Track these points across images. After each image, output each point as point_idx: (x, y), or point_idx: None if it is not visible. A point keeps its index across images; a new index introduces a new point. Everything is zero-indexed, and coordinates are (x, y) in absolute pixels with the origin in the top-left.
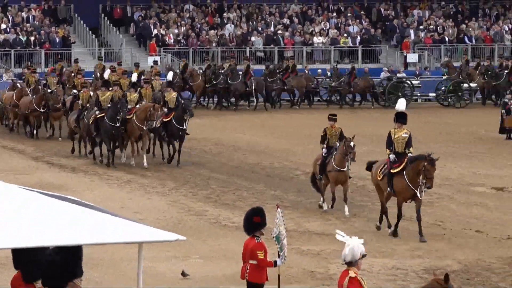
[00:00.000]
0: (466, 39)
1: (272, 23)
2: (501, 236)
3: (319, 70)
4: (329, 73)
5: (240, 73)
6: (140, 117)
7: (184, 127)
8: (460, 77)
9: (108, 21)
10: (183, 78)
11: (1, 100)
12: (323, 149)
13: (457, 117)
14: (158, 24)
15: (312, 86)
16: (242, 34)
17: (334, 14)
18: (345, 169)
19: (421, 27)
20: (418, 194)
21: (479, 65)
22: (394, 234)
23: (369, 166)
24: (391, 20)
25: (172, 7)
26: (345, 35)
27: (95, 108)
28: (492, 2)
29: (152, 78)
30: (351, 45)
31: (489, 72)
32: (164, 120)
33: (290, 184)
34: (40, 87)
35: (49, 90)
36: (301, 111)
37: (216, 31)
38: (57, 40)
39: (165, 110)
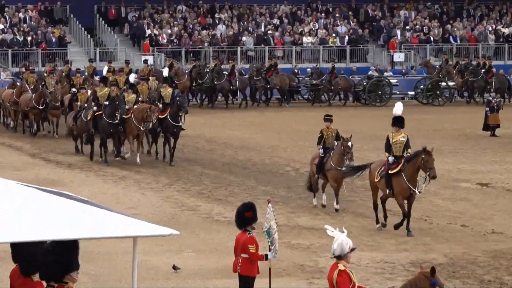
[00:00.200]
0: (451, 39)
1: (263, 23)
2: (486, 230)
3: (308, 69)
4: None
5: (225, 72)
6: (137, 117)
7: (179, 124)
8: (440, 76)
9: (103, 22)
10: (169, 77)
11: (1, 98)
12: (320, 150)
13: (437, 115)
14: (152, 24)
15: (295, 84)
16: (234, 34)
17: (323, 14)
18: (342, 168)
19: (407, 27)
20: (417, 191)
21: (457, 64)
22: (396, 227)
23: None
24: (378, 21)
25: (165, 7)
26: (334, 35)
27: (93, 104)
28: (476, 3)
29: (147, 76)
30: (339, 44)
31: (467, 71)
32: (160, 116)
33: (281, 180)
34: (40, 86)
35: (48, 91)
36: (290, 109)
37: (208, 31)
38: (53, 40)
39: (160, 106)
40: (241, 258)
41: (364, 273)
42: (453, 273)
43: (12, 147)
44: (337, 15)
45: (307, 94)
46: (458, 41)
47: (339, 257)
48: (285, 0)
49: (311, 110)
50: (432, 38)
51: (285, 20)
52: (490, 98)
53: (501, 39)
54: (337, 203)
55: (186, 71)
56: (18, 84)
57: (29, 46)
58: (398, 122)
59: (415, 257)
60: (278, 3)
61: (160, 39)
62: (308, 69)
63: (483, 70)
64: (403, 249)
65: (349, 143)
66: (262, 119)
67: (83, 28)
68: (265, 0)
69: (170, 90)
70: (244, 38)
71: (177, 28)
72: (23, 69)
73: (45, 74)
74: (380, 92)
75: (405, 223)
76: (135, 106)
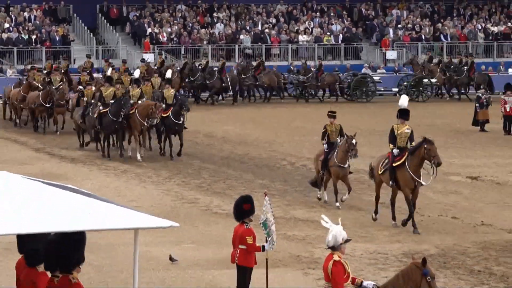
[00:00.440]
0: (442, 37)
1: (260, 22)
2: (476, 222)
3: (292, 67)
4: (295, 69)
5: (215, 69)
6: (142, 114)
7: (181, 122)
8: (424, 73)
9: (105, 21)
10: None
11: (8, 96)
12: (324, 145)
13: (424, 111)
14: (152, 23)
15: (283, 81)
16: (232, 33)
17: (318, 13)
18: (346, 165)
19: (399, 26)
20: (422, 182)
21: (440, 61)
22: (403, 224)
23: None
24: (371, 20)
25: (165, 7)
26: (328, 33)
27: (99, 104)
28: (466, 2)
29: (148, 76)
30: (333, 42)
31: (450, 68)
32: (163, 115)
33: (277, 173)
34: (47, 85)
35: (54, 87)
36: (286, 105)
37: (206, 29)
38: (57, 38)
39: (163, 106)
40: (239, 249)
41: (358, 263)
42: (444, 264)
43: (18, 142)
44: (332, 14)
45: (293, 90)
46: (449, 39)
47: (333, 248)
48: (281, 0)
49: (306, 106)
50: (423, 36)
51: (281, 19)
52: (480, 95)
53: (490, 37)
54: (336, 200)
55: (178, 68)
56: (24, 82)
57: (34, 44)
58: (404, 114)
59: (407, 248)
60: (275, 2)
61: (160, 37)
62: (291, 67)
63: (465, 67)
64: (396, 240)
65: (354, 140)
66: (259, 115)
67: (86, 27)
68: None
69: (172, 91)
70: (241, 37)
71: (176, 27)
72: (28, 67)
73: (44, 71)
74: (364, 89)
75: (406, 218)
76: (139, 102)
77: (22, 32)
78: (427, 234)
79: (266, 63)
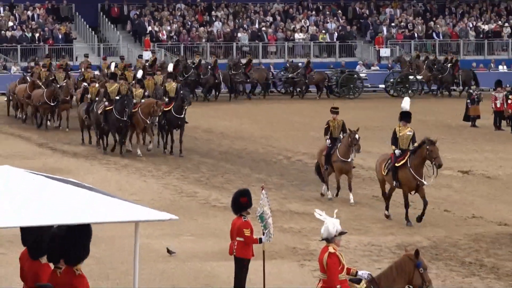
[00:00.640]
0: (434, 35)
1: (257, 20)
2: (467, 215)
3: (300, 63)
4: (283, 67)
5: (209, 67)
6: (144, 111)
7: (183, 116)
8: (410, 70)
9: (106, 19)
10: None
11: (14, 92)
12: (327, 141)
13: (416, 107)
14: (152, 21)
15: (272, 78)
16: (230, 31)
17: (313, 12)
18: (349, 159)
19: (393, 24)
20: (425, 182)
21: (427, 59)
22: (407, 220)
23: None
24: (365, 18)
25: (165, 5)
26: (324, 31)
27: (104, 100)
28: (458, 1)
29: (152, 71)
30: (329, 40)
31: (435, 66)
32: (165, 109)
33: (274, 168)
34: (52, 83)
35: (58, 85)
36: (282, 101)
37: (205, 28)
38: (60, 36)
39: (166, 99)
40: (237, 241)
41: (353, 255)
42: (436, 256)
43: (21, 137)
44: (327, 12)
45: (282, 87)
46: (441, 37)
47: (327, 240)
48: None
49: (302, 102)
50: (416, 34)
51: (278, 18)
52: (471, 91)
53: (481, 35)
54: (337, 195)
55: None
56: (28, 79)
57: (37, 42)
58: (406, 117)
59: (400, 240)
60: (272, 1)
61: (160, 35)
62: (288, 64)
63: (449, 65)
64: (389, 233)
65: (357, 135)
66: (256, 111)
67: (87, 25)
68: None
69: (174, 84)
70: (239, 35)
71: (176, 25)
72: (32, 64)
73: (42, 69)
74: (352, 86)
75: (410, 212)
76: (142, 101)
77: (25, 30)
78: (420, 227)
79: (263, 61)
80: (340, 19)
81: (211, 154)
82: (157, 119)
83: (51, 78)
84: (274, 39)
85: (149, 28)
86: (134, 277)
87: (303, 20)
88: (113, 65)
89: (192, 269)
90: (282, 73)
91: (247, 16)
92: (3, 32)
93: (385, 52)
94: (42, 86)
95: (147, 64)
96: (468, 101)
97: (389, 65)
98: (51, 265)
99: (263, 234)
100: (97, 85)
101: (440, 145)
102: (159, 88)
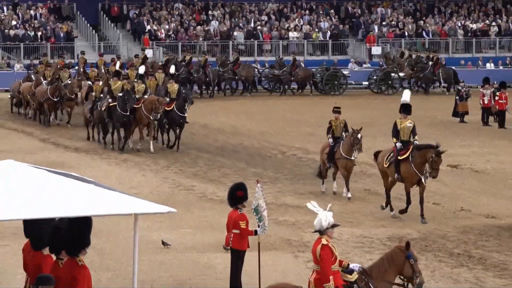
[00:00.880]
0: (424, 33)
1: (252, 19)
2: (455, 208)
3: (296, 61)
4: (267, 64)
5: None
6: (147, 108)
7: (185, 115)
8: (394, 68)
9: (107, 18)
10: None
11: (18, 90)
12: (330, 139)
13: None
14: (151, 20)
15: (259, 75)
16: (226, 30)
17: (307, 11)
18: (352, 157)
19: (384, 23)
20: (423, 180)
21: (410, 56)
22: (402, 213)
23: (376, 154)
24: (357, 17)
25: (163, 5)
26: (317, 30)
27: (108, 97)
28: (447, 1)
29: (153, 71)
30: (322, 39)
31: (417, 64)
32: (167, 109)
33: (269, 162)
34: (56, 80)
35: (63, 83)
36: (277, 98)
37: (202, 26)
38: (61, 35)
39: (167, 100)
40: (233, 233)
41: (345, 247)
42: (426, 247)
43: (24, 133)
44: (320, 12)
45: (268, 84)
46: (430, 35)
47: (320, 232)
48: None
49: (296, 99)
50: (406, 33)
51: (273, 17)
52: (460, 88)
53: (469, 34)
54: (348, 190)
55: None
56: (33, 77)
57: (39, 41)
58: (406, 109)
59: (391, 232)
60: (267, 1)
61: (159, 34)
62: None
63: (430, 63)
64: (381, 225)
65: (359, 135)
66: (251, 108)
67: (88, 24)
68: None
69: (176, 86)
70: (235, 33)
71: (174, 24)
72: (34, 61)
73: (39, 66)
74: (336, 82)
75: (408, 209)
76: (145, 97)
77: (28, 29)
78: (410, 219)
79: (258, 58)
80: (333, 18)
81: (208, 149)
82: (158, 116)
83: (56, 77)
84: (269, 37)
85: (148, 27)
86: (133, 268)
87: (297, 19)
88: (118, 64)
89: (190, 260)
90: (267, 70)
91: (242, 15)
92: (6, 30)
93: (376, 50)
94: (45, 84)
95: (137, 58)
96: (457, 97)
97: (380, 63)
98: (53, 256)
99: (258, 227)
100: (101, 83)
101: (430, 140)
102: (161, 88)
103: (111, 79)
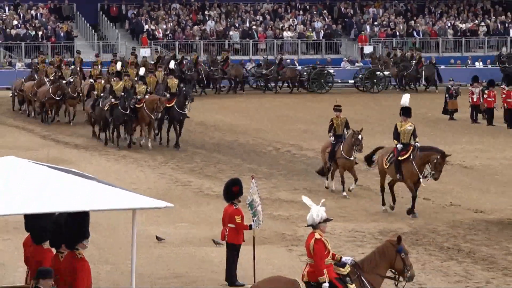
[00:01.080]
0: (414, 33)
1: (248, 19)
2: (445, 203)
3: (288, 60)
4: (253, 64)
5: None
6: (149, 107)
7: (185, 112)
8: (380, 67)
9: (106, 18)
10: (174, 69)
11: (19, 90)
12: (331, 137)
13: (392, 101)
14: (149, 20)
15: (246, 74)
16: (222, 29)
17: (301, 12)
18: (352, 157)
19: (375, 23)
20: (421, 180)
21: (395, 55)
22: (409, 213)
23: (369, 157)
24: (350, 17)
25: (161, 5)
26: (310, 30)
27: (110, 97)
28: (437, 1)
29: (154, 68)
30: (315, 38)
31: (401, 62)
32: (167, 105)
33: (263, 158)
34: (58, 78)
35: (64, 81)
36: (273, 96)
37: (199, 26)
38: (62, 34)
39: (168, 95)
40: (228, 227)
41: (338, 241)
42: (416, 241)
43: (25, 130)
44: (314, 12)
45: (255, 83)
46: (421, 35)
47: (313, 226)
48: None
49: (291, 97)
50: (397, 33)
51: (268, 17)
52: (449, 86)
53: (459, 34)
54: (343, 190)
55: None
56: (36, 76)
57: (40, 40)
58: (406, 112)
59: (382, 227)
60: (261, 1)
61: (157, 33)
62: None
63: (414, 61)
64: (372, 220)
65: (360, 136)
66: (246, 105)
67: (88, 24)
68: None
69: (176, 81)
70: (231, 33)
71: (171, 24)
72: (35, 60)
73: (37, 65)
74: (322, 81)
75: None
76: (146, 96)
77: (29, 28)
78: (401, 214)
79: (253, 57)
80: (326, 18)
81: (204, 145)
82: (159, 115)
83: (58, 75)
84: (263, 37)
85: (146, 27)
86: (131, 261)
87: (291, 19)
88: (119, 64)
89: (187, 254)
90: (255, 69)
91: (238, 15)
92: (8, 30)
93: (368, 49)
94: (47, 83)
95: (130, 58)
96: (447, 95)
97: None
98: (54, 250)
99: (253, 221)
100: (102, 81)
101: (420, 137)
102: (161, 86)
103: (113, 79)
